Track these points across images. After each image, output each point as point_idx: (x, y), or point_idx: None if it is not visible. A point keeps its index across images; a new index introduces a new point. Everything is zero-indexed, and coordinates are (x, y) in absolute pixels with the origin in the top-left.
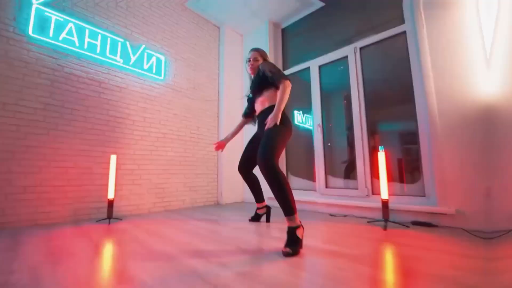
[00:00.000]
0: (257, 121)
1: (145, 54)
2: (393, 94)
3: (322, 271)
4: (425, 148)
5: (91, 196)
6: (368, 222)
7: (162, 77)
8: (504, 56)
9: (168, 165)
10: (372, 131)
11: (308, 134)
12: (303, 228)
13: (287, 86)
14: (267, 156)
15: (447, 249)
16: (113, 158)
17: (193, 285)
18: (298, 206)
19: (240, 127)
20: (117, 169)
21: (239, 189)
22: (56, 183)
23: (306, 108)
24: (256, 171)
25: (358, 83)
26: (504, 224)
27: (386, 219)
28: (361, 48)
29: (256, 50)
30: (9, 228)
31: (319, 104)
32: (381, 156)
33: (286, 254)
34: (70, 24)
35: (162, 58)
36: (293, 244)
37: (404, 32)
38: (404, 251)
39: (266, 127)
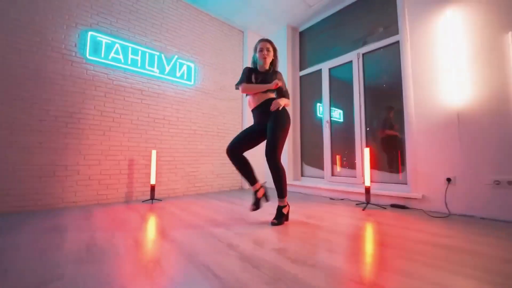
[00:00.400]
0: (255, 114)
1: (177, 63)
2: (390, 96)
3: (295, 235)
4: (408, 141)
5: (137, 182)
6: (356, 204)
7: (192, 82)
8: (470, 72)
9: (198, 156)
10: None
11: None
12: (289, 207)
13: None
14: (274, 155)
15: (401, 224)
16: (154, 153)
17: (207, 240)
18: (307, 191)
19: None
20: (157, 161)
21: (261, 176)
22: (111, 172)
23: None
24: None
25: (359, 85)
26: (455, 207)
27: (367, 202)
28: (363, 54)
29: (269, 41)
30: (79, 207)
31: (328, 103)
32: (366, 151)
33: (273, 224)
34: (117, 45)
35: (192, 65)
36: (279, 217)
37: (398, 42)
38: (364, 224)
39: (273, 107)
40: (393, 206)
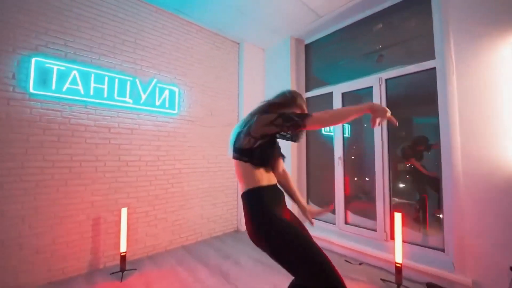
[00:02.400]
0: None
1: (157, 88)
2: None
3: None
4: (448, 201)
5: (105, 244)
6: (381, 280)
7: (176, 111)
8: None
9: (184, 201)
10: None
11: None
12: None
13: None
14: None
15: None
16: (124, 212)
17: None
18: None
19: None
20: (132, 214)
21: None
22: (69, 238)
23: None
24: None
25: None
26: None
27: (399, 284)
28: (386, 80)
29: None
30: None
31: (340, 136)
32: (398, 217)
33: None
34: (74, 72)
35: (176, 89)
36: None
37: (434, 69)
38: None
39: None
40: (430, 285)
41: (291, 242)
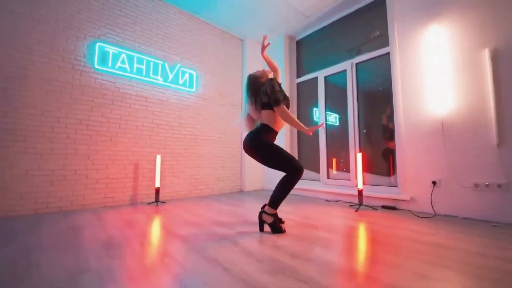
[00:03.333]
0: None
1: (180, 71)
2: (382, 103)
3: (294, 233)
4: (398, 147)
5: (142, 185)
6: (349, 206)
7: (194, 89)
8: (453, 84)
9: (200, 160)
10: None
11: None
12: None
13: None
14: None
15: (390, 223)
16: (158, 158)
17: (213, 238)
18: (303, 194)
19: None
20: (161, 165)
21: (260, 179)
22: (117, 176)
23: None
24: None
25: (353, 92)
26: (440, 208)
27: (360, 203)
28: (357, 64)
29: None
30: (88, 209)
31: (323, 109)
32: (359, 156)
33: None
34: (123, 55)
35: (194, 73)
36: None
37: (388, 54)
38: (357, 224)
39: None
40: (384, 207)
41: (281, 154)
